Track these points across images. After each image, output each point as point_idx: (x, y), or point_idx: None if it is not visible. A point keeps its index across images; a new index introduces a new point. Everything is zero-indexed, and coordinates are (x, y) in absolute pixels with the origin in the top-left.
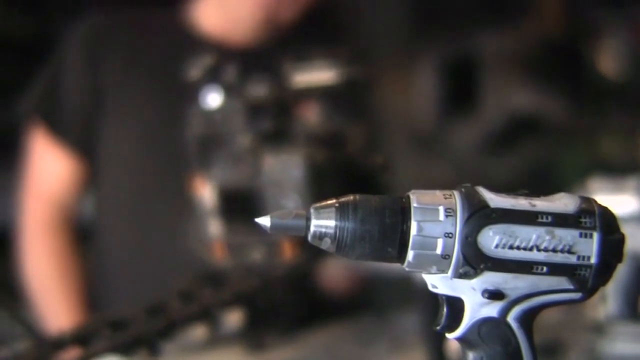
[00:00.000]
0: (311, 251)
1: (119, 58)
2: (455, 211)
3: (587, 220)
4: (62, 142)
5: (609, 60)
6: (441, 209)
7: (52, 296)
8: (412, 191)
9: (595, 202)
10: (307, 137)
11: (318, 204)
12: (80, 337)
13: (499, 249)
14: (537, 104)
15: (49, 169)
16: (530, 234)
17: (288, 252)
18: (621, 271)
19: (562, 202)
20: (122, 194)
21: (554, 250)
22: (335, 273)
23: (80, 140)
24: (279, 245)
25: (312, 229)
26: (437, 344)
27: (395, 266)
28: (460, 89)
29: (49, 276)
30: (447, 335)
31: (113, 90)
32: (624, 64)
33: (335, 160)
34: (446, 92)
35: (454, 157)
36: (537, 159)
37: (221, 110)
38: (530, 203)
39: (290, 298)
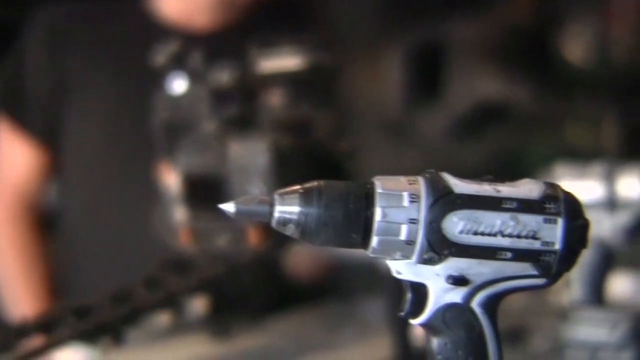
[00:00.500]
0: (277, 238)
1: (81, 47)
2: (419, 197)
3: (552, 206)
4: (26, 132)
5: (576, 48)
6: (405, 194)
7: (16, 285)
8: (377, 177)
9: (560, 188)
10: (273, 124)
11: (282, 190)
12: (44, 325)
13: (463, 235)
14: (504, 92)
15: (13, 160)
16: (495, 219)
17: (254, 238)
18: (586, 257)
19: (527, 188)
20: (88, 181)
21: (519, 236)
22: (304, 260)
23: (44, 130)
24: (245, 232)
25: (276, 215)
26: (402, 329)
27: (360, 252)
28: (429, 77)
29: (13, 265)
30: (412, 321)
31: (76, 79)
32: (591, 52)
33: (301, 147)
34: (414, 80)
35: (422, 144)
36: (505, 146)
37: (186, 96)
38: (494, 189)
39: (256, 285)
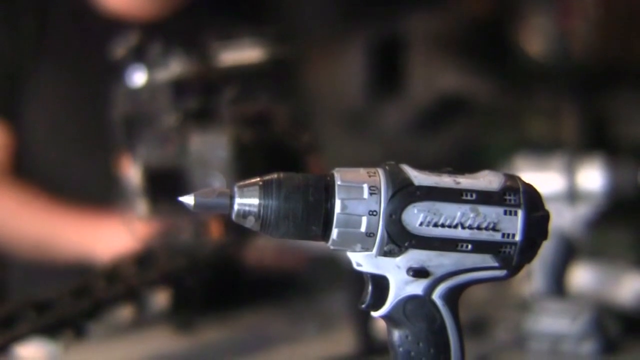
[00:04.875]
0: (239, 231)
1: (31, 36)
2: (379, 189)
3: (512, 197)
4: None
5: (535, 41)
6: (365, 186)
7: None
8: (336, 169)
9: (520, 179)
10: (233, 116)
11: (242, 183)
12: (4, 320)
13: (424, 227)
14: (464, 84)
15: None
16: (455, 211)
17: (215, 231)
18: (546, 248)
19: (487, 180)
20: (46, 175)
21: (479, 228)
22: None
23: (5, 109)
24: (206, 225)
25: (235, 207)
26: (364, 322)
27: (321, 244)
28: (389, 69)
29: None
30: (373, 313)
31: (27, 68)
32: (550, 45)
33: (262, 140)
34: (375, 72)
35: (383, 137)
36: (465, 139)
37: (146, 88)
38: (454, 181)
39: (218, 278)
